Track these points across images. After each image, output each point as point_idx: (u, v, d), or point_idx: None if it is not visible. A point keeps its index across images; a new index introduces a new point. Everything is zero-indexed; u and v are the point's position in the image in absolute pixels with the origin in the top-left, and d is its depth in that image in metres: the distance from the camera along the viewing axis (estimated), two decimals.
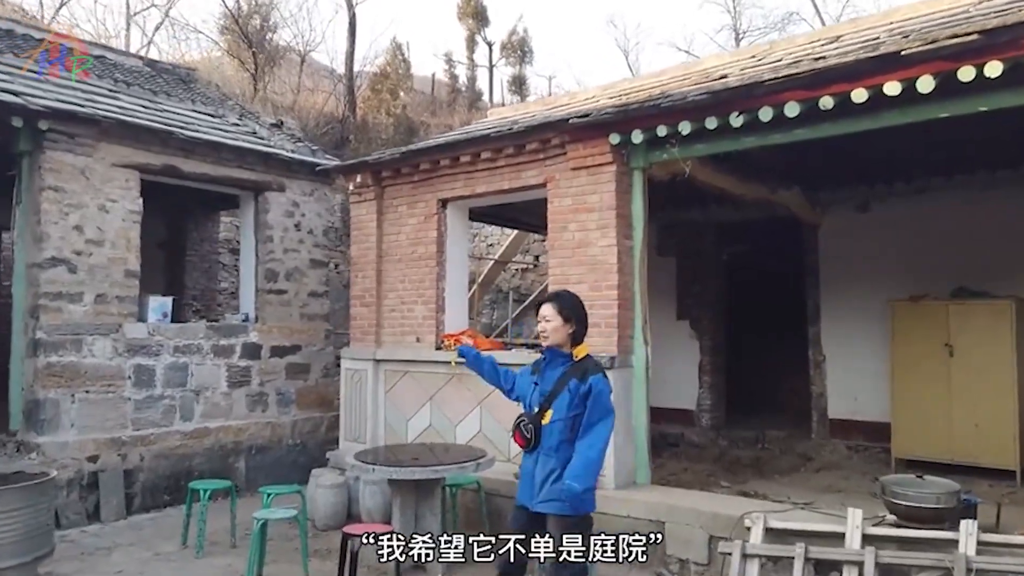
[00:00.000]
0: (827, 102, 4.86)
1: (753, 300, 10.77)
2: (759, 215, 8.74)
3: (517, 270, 14.39)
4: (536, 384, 3.79)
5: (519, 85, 28.87)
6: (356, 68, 21.24)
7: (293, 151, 8.79)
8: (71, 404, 6.92)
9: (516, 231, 13.12)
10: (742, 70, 6.70)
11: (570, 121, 6.11)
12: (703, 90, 5.50)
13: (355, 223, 7.94)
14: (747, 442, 9.20)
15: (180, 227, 10.57)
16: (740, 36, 26.00)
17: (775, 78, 4.97)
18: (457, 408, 7.10)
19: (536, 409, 3.71)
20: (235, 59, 18.94)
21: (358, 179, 7.71)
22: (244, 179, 8.25)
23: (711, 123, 5.38)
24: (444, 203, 7.37)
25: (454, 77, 29.43)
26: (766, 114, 5.12)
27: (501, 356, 6.84)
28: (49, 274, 6.79)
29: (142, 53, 16.11)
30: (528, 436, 3.68)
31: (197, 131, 7.89)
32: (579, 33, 47.49)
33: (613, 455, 5.91)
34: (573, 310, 3.80)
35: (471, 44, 29.42)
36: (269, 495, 6.10)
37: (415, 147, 7.55)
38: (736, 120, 5.27)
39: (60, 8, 18.39)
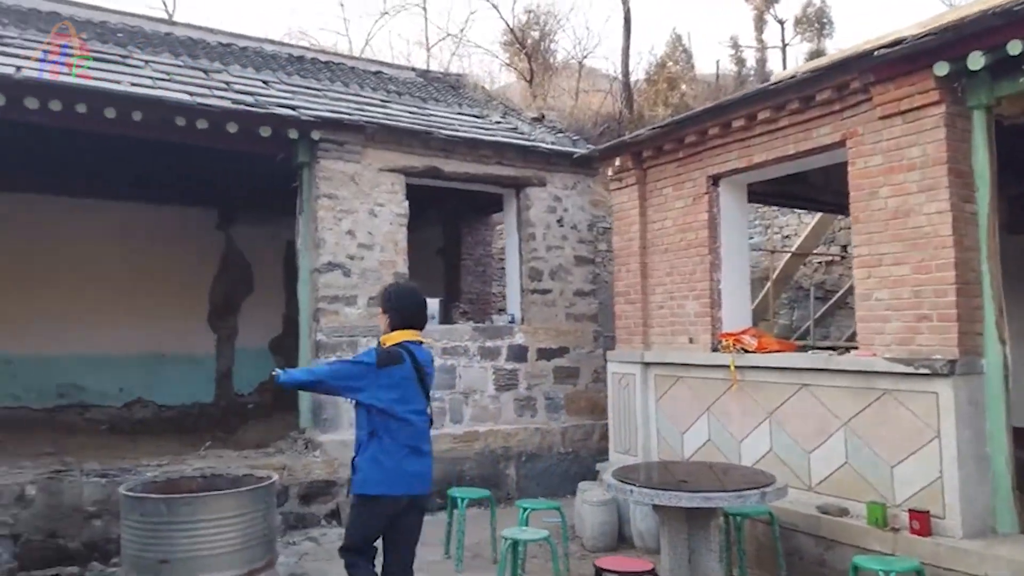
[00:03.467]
0: None
1: None
2: None
3: (820, 263, 12.57)
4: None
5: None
6: (632, 64, 20.69)
7: (553, 143, 8.33)
8: (350, 404, 7.08)
9: (817, 218, 11.43)
10: None
11: (875, 54, 4.73)
12: None
13: (616, 212, 7.20)
14: None
15: (455, 234, 10.77)
16: None
17: None
18: (741, 421, 5.97)
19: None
20: (514, 70, 19.43)
21: (617, 163, 6.96)
22: (504, 176, 7.97)
23: None
24: (715, 180, 6.31)
25: (741, 61, 27.52)
26: None
27: (794, 360, 5.66)
28: (326, 278, 7.07)
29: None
30: None
31: (457, 131, 7.78)
32: None
33: (958, 491, 4.41)
34: (386, 300, 3.85)
35: (759, 24, 27.40)
36: (525, 510, 5.60)
37: (677, 118, 6.58)
38: None
39: (367, 44, 20.37)
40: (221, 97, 6.87)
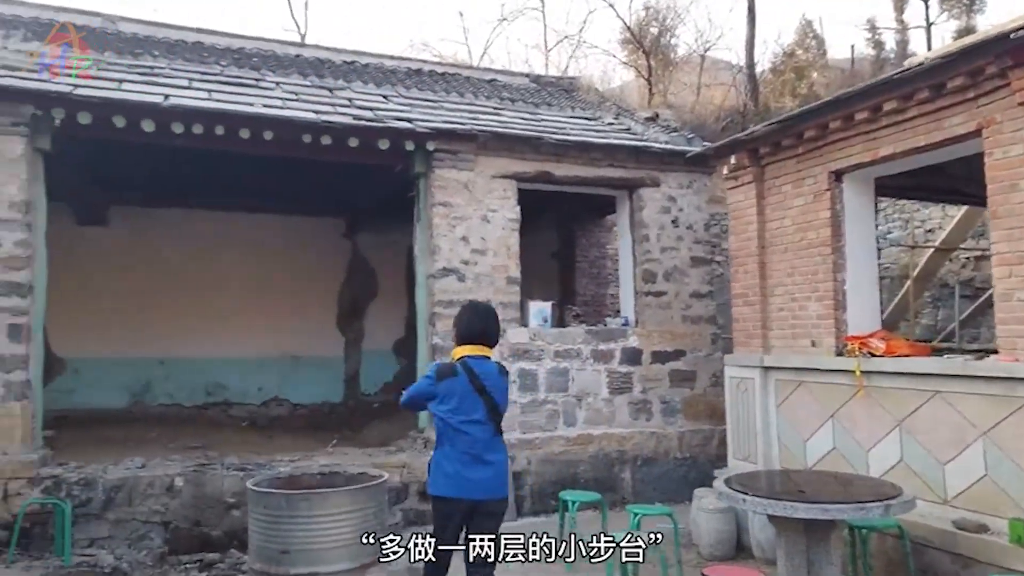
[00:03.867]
0: None
1: None
2: None
3: (968, 259, 11.59)
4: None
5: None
6: (758, 54, 19.91)
7: (667, 142, 8.19)
8: None
9: (963, 210, 10.56)
10: None
11: (1012, 36, 4.34)
12: None
13: (732, 211, 6.98)
14: None
15: (569, 236, 10.80)
16: None
17: None
18: (868, 429, 5.64)
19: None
20: (632, 68, 19.20)
21: (732, 161, 6.75)
22: (615, 177, 7.91)
23: None
24: (838, 175, 5.99)
25: (879, 45, 25.79)
26: None
27: (926, 365, 5.28)
28: (441, 283, 7.29)
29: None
30: None
31: (568, 135, 7.81)
32: None
33: None
34: (455, 319, 4.16)
35: (900, 3, 25.52)
36: (636, 515, 5.53)
37: (795, 112, 6.30)
38: None
39: (485, 52, 20.79)
40: (343, 113, 7.25)
